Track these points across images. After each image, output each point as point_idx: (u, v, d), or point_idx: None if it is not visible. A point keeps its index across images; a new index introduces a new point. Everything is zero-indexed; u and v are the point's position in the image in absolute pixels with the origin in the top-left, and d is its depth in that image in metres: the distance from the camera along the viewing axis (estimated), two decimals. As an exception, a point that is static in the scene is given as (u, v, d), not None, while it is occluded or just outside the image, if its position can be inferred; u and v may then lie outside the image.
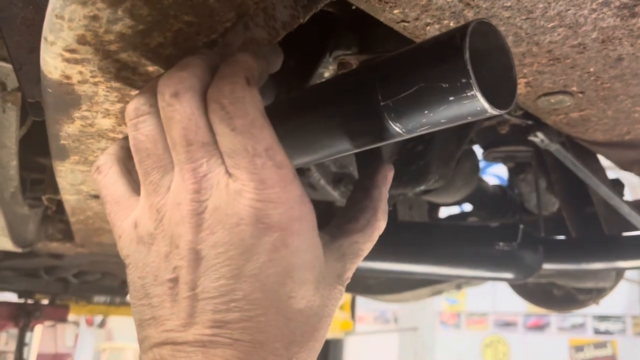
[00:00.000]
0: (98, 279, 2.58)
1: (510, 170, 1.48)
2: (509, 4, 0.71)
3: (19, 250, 1.16)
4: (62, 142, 0.67)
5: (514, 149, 1.19)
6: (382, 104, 0.52)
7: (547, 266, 1.30)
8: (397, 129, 0.52)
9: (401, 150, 1.17)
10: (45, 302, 3.01)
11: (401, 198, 1.56)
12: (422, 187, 1.14)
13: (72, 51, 0.50)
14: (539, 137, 1.09)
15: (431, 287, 1.81)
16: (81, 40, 0.48)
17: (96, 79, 0.54)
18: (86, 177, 0.80)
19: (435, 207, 1.80)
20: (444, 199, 1.51)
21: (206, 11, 0.48)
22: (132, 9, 0.46)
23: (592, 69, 0.84)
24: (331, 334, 3.43)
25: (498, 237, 1.24)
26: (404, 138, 0.54)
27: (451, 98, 0.47)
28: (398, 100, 0.50)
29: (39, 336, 12.87)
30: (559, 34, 0.76)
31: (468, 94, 0.45)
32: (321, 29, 0.90)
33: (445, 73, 0.46)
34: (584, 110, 0.97)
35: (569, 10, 0.72)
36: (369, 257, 1.30)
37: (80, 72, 0.53)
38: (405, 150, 1.17)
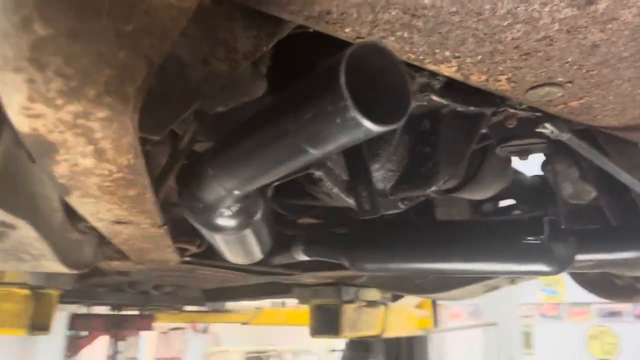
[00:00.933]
0: (174, 290, 2.79)
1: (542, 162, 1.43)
2: (454, 9, 0.72)
3: (75, 271, 1.30)
4: (59, 181, 0.77)
5: (526, 142, 1.16)
6: (292, 128, 0.55)
7: (583, 257, 1.25)
8: (309, 149, 0.56)
9: (411, 153, 1.19)
10: (134, 313, 3.29)
11: (438, 197, 1.56)
12: (433, 188, 1.15)
13: (28, 109, 0.58)
14: (548, 129, 1.06)
15: (483, 284, 1.77)
16: (31, 99, 0.57)
17: (60, 129, 0.63)
18: (98, 207, 0.90)
19: (480, 203, 1.77)
20: (477, 195, 1.49)
21: (118, 64, 0.54)
22: (59, 70, 0.53)
23: (570, 59, 0.82)
24: (410, 331, 3.45)
25: (529, 230, 1.22)
26: (318, 157, 0.57)
27: (338, 120, 0.50)
28: (302, 124, 0.54)
29: (155, 342, 13.76)
30: (518, 30, 0.76)
31: (349, 115, 0.48)
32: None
33: (328, 98, 0.49)
34: (581, 98, 0.94)
35: (518, 7, 0.71)
36: (402, 258, 1.31)
37: (44, 125, 0.62)
38: (414, 152, 1.18)
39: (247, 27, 0.77)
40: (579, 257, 1.24)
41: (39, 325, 1.78)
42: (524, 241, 1.21)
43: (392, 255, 1.37)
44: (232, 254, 1.13)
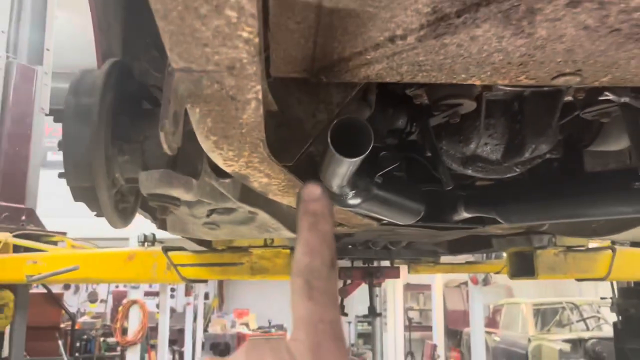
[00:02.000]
0: (407, 245, 3.37)
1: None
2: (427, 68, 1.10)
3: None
4: (258, 189, 1.40)
5: (602, 107, 1.34)
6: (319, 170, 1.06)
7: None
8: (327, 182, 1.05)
9: (509, 129, 1.51)
10: (384, 265, 4.01)
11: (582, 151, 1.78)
12: (526, 155, 1.46)
13: (227, 165, 1.21)
14: (609, 95, 1.29)
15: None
16: (225, 162, 1.19)
17: (244, 169, 1.24)
18: (289, 200, 1.52)
19: None
20: (612, 146, 1.67)
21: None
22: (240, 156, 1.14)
23: (549, 62, 1.10)
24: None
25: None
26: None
27: (335, 157, 0.99)
28: (323, 168, 1.04)
29: (447, 295, 14.62)
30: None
31: (337, 157, 0.97)
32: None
33: (328, 150, 0.99)
34: (606, 75, 1.16)
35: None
36: (539, 208, 1.68)
37: (237, 169, 1.24)
38: (511, 129, 1.50)
39: (337, 86, 1.28)
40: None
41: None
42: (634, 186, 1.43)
43: (531, 206, 1.69)
44: (386, 217, 1.64)
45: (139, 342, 8.37)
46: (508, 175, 1.59)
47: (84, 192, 1.37)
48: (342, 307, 3.87)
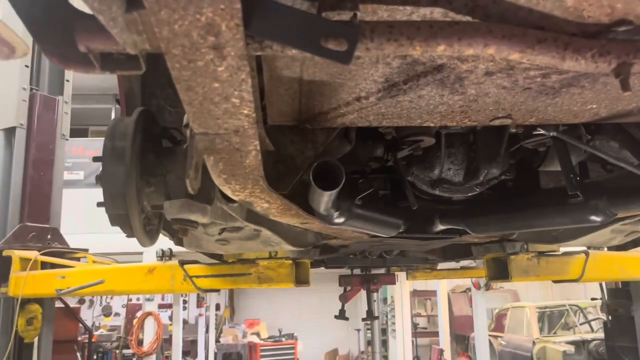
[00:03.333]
0: (400, 254, 3.68)
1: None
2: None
3: (301, 249, 2.29)
4: (261, 212, 1.71)
5: (537, 140, 1.66)
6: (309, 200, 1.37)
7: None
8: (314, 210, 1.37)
9: (467, 157, 1.82)
10: (380, 271, 4.33)
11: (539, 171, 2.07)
12: (480, 179, 1.77)
13: (235, 194, 1.52)
14: (541, 130, 1.60)
15: (610, 229, 2.14)
16: (234, 192, 1.51)
17: (249, 198, 1.56)
18: (287, 219, 1.83)
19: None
20: (557, 167, 1.97)
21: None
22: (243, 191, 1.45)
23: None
24: (617, 277, 3.64)
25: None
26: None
27: (317, 191, 1.30)
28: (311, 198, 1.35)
29: (453, 300, 14.81)
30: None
31: (318, 191, 1.29)
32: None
33: (311, 186, 1.30)
34: (532, 117, 1.47)
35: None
36: (498, 221, 2.00)
37: (243, 197, 1.56)
38: (468, 156, 1.81)
39: (321, 129, 1.60)
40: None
41: (301, 280, 2.92)
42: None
43: (491, 219, 2.00)
44: (370, 230, 1.96)
45: (154, 352, 8.67)
46: (470, 194, 1.90)
47: (119, 218, 1.69)
48: (343, 312, 4.19)
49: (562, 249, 3.13)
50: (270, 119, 1.48)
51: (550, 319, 12.05)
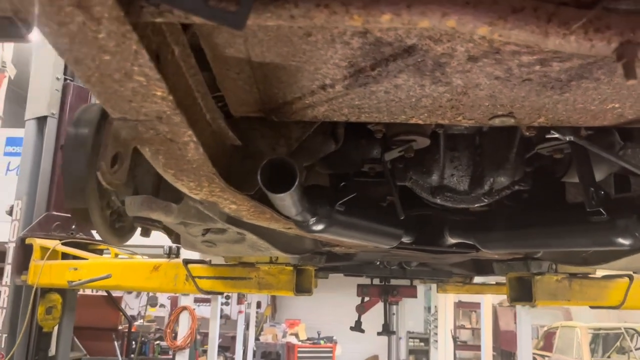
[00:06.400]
0: (419, 265, 3.40)
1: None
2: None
3: (295, 255, 2.09)
4: (231, 214, 1.54)
5: (553, 144, 1.39)
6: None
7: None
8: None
9: (473, 162, 1.58)
10: (402, 283, 4.05)
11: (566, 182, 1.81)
12: (485, 187, 1.52)
13: (194, 193, 1.35)
14: (554, 134, 1.35)
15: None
16: (196, 189, 1.33)
17: (209, 198, 1.38)
18: (260, 222, 1.65)
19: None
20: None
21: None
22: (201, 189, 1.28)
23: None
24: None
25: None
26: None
27: (270, 195, 1.11)
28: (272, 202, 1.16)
29: (500, 314, 14.24)
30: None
31: (269, 193, 1.10)
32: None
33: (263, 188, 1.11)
34: (539, 117, 1.22)
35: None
36: (510, 238, 1.76)
37: (202, 196, 1.38)
38: (474, 162, 1.57)
39: (297, 123, 1.40)
40: None
41: (302, 289, 2.72)
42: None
43: (502, 235, 1.74)
44: (361, 240, 1.74)
45: (187, 347, 8.68)
46: (477, 205, 1.65)
47: (80, 213, 1.56)
48: (360, 323, 3.95)
49: (600, 272, 2.78)
50: (232, 109, 1.30)
51: (605, 342, 11.35)
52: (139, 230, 1.82)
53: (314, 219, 1.46)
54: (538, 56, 0.95)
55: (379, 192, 1.94)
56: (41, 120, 4.50)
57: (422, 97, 1.16)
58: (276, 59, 1.05)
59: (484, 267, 3.10)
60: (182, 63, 1.00)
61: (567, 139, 1.32)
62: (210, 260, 3.16)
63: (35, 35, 0.91)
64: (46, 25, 0.71)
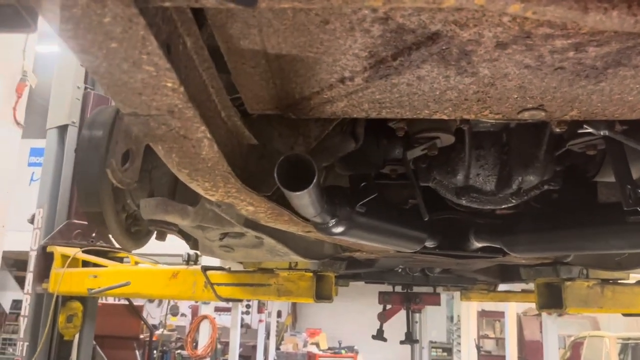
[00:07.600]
0: (442, 272, 3.30)
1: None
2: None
3: (315, 260, 2.03)
4: (248, 216, 1.49)
5: (585, 140, 1.32)
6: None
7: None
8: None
9: (500, 160, 1.51)
10: (425, 290, 3.95)
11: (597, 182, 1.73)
12: (514, 187, 1.45)
13: (209, 194, 1.31)
14: (587, 128, 1.28)
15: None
16: (207, 189, 1.29)
17: (227, 198, 1.34)
18: (279, 225, 1.59)
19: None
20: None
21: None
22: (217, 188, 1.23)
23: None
24: None
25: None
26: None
27: (286, 191, 1.06)
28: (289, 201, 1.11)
29: (525, 324, 13.97)
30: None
31: (286, 192, 1.04)
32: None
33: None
34: (572, 109, 1.16)
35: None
36: (539, 241, 1.69)
37: (219, 198, 1.33)
38: (501, 160, 1.50)
39: (316, 121, 1.35)
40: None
41: (322, 295, 2.65)
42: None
43: (532, 238, 1.66)
44: (382, 244, 1.68)
45: (208, 356, 8.66)
46: (505, 206, 1.58)
47: (95, 217, 1.52)
48: (382, 332, 3.86)
49: (634, 276, 2.66)
50: (248, 106, 1.25)
51: (635, 352, 11.02)
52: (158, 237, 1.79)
53: (334, 220, 1.40)
54: (573, 40, 0.89)
55: (400, 195, 1.88)
56: (62, 129, 4.53)
57: (446, 89, 1.10)
58: (293, 50, 1.00)
59: (510, 274, 3.00)
60: (194, 56, 0.96)
61: (602, 134, 1.25)
62: (229, 268, 3.12)
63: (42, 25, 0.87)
64: (50, 10, 0.68)
